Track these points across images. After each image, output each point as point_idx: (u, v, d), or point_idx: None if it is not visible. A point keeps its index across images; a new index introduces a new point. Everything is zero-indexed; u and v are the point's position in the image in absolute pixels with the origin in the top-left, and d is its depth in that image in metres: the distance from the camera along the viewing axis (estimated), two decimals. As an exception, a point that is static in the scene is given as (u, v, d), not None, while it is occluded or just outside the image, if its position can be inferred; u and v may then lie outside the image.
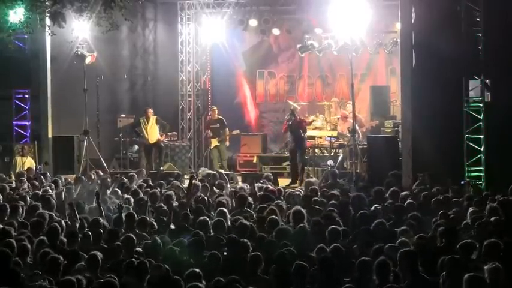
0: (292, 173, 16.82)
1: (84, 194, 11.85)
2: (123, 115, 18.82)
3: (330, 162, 17.06)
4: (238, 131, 19.08)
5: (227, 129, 18.75)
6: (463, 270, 6.99)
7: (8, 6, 15.62)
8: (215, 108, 19.17)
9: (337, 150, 17.73)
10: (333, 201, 10.85)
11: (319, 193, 11.95)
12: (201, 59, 20.76)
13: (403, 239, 8.35)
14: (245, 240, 8.21)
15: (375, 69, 20.06)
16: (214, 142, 18.72)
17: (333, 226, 8.71)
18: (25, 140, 17.89)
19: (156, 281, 7.04)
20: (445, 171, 13.48)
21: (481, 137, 13.96)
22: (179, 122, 20.39)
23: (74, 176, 15.95)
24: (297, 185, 15.70)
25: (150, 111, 18.22)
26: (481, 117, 13.95)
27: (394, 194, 11.22)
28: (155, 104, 18.93)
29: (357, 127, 17.32)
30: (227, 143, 18.88)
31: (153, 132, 18.23)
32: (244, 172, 17.54)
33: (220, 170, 17.69)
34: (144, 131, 18.21)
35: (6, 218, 9.95)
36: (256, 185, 12.84)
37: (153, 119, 18.21)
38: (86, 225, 9.37)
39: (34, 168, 16.27)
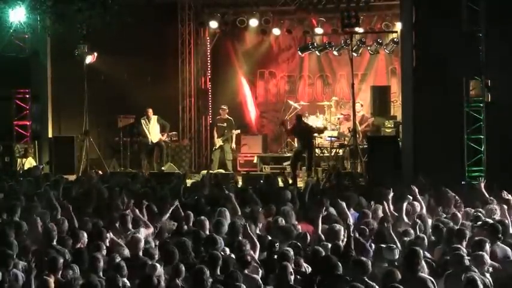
0: (292, 173, 16.75)
1: None
2: (123, 115, 18.81)
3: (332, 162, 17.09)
4: (238, 131, 19.08)
5: (233, 130, 18.75)
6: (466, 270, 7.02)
7: (9, 6, 15.65)
8: (225, 107, 19.09)
9: (337, 150, 17.73)
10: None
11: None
12: (201, 59, 20.77)
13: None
14: None
15: (376, 69, 20.04)
16: (219, 142, 18.71)
17: None
18: (25, 139, 17.89)
19: None
20: (445, 171, 13.46)
21: (481, 137, 13.96)
22: (179, 122, 20.39)
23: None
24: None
25: (150, 111, 18.26)
26: (481, 117, 13.95)
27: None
28: (155, 104, 18.92)
29: (358, 127, 17.33)
30: (233, 144, 18.87)
31: (154, 132, 18.28)
32: (245, 172, 17.53)
33: (220, 170, 17.73)
34: (146, 131, 18.24)
35: (5, 218, 9.95)
36: None
37: (153, 118, 18.25)
38: None
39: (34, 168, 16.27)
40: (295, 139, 17.54)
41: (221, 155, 18.70)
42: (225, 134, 18.67)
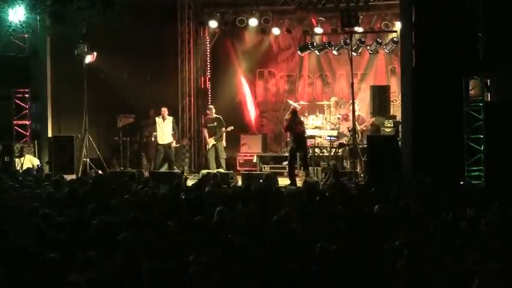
0: (290, 174, 16.74)
1: None
2: (122, 114, 18.84)
3: (332, 162, 17.08)
4: (232, 127, 19.06)
5: (223, 128, 18.78)
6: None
7: (8, 5, 15.64)
8: (212, 107, 19.22)
9: (337, 149, 17.74)
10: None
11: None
12: (200, 58, 20.78)
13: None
14: None
15: (375, 68, 20.05)
16: (211, 141, 18.76)
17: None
18: (25, 139, 17.88)
19: None
20: (445, 171, 13.47)
21: (481, 136, 13.97)
22: (179, 122, 20.39)
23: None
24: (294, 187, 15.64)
25: (166, 110, 18.39)
26: (481, 117, 13.95)
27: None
28: (155, 104, 18.96)
29: (357, 126, 17.33)
30: (224, 143, 18.89)
31: (167, 132, 18.36)
32: (244, 171, 17.53)
33: (220, 170, 17.74)
34: (159, 129, 18.27)
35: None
36: None
37: (168, 119, 18.35)
38: None
39: (33, 168, 16.27)
40: (290, 137, 17.41)
41: (216, 154, 18.74)
42: (217, 133, 18.71)
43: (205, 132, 19.15)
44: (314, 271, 7.46)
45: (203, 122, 19.67)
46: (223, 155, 18.76)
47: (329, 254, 7.73)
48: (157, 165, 18.35)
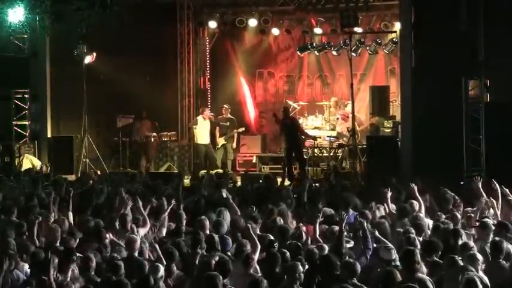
0: (288, 174, 16.69)
1: None
2: (122, 115, 18.82)
3: (332, 162, 17.06)
4: (243, 128, 19.11)
5: (235, 130, 18.79)
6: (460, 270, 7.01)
7: (7, 6, 15.63)
8: (227, 106, 19.15)
9: (336, 150, 17.73)
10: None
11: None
12: (200, 58, 20.77)
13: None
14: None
15: (375, 69, 20.05)
16: (221, 141, 18.76)
17: None
18: (24, 139, 17.86)
19: None
20: (444, 171, 13.46)
21: (480, 137, 13.96)
22: (178, 122, 20.39)
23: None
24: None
25: (207, 110, 18.70)
26: (480, 117, 13.95)
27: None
28: (154, 104, 18.94)
29: (357, 127, 17.33)
30: (234, 144, 18.91)
31: (206, 133, 18.47)
32: (243, 172, 17.51)
33: (219, 170, 17.72)
34: (199, 129, 18.44)
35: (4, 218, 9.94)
36: None
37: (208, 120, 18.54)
38: None
39: (33, 168, 16.25)
40: (282, 136, 17.37)
41: (223, 155, 18.74)
42: (228, 133, 18.71)
43: (216, 131, 19.10)
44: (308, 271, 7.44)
45: (217, 120, 19.56)
46: (230, 156, 18.83)
47: (322, 255, 7.70)
48: (201, 164, 18.62)
